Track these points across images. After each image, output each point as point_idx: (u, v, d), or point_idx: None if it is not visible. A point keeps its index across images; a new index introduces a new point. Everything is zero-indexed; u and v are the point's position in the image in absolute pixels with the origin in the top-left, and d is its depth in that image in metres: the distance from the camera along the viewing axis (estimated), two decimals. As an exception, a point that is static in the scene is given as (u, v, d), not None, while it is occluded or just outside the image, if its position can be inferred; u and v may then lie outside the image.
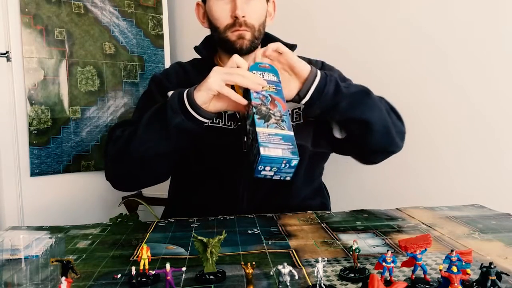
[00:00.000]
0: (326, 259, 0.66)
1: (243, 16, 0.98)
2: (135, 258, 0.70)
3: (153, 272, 0.60)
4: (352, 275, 0.59)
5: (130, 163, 0.94)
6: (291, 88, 0.89)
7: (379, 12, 1.53)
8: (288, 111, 0.84)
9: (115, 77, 1.76)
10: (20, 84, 1.53)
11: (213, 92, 0.83)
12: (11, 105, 1.52)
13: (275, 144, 0.73)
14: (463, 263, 0.53)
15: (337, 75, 0.94)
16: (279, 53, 0.89)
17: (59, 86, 1.62)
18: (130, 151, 0.90)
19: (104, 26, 1.72)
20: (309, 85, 0.89)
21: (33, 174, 1.57)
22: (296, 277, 0.54)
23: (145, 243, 0.76)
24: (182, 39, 2.05)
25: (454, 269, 0.52)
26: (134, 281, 0.59)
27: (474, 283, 0.53)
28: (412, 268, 0.58)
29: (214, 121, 1.00)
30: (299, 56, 1.14)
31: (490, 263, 0.52)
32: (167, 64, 1.91)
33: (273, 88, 0.84)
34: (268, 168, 0.73)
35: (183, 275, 0.62)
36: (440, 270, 0.53)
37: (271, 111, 0.79)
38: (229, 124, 1.00)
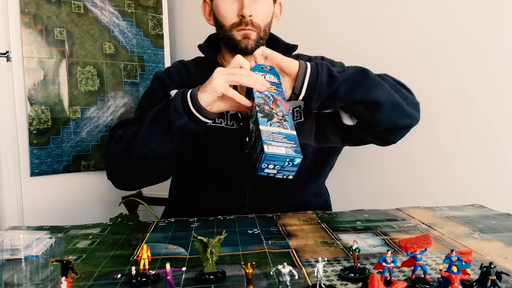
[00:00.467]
0: (326, 259, 0.66)
1: (250, 15, 0.98)
2: (135, 258, 0.70)
3: (153, 272, 0.60)
4: (352, 275, 0.59)
5: (132, 163, 0.93)
6: (285, 87, 0.89)
7: (381, 9, 1.53)
8: (290, 110, 0.84)
9: (115, 77, 1.76)
10: (20, 84, 1.53)
11: (218, 94, 0.83)
12: (11, 105, 1.52)
13: (279, 142, 0.73)
14: (463, 263, 0.53)
15: (328, 63, 0.92)
16: (265, 57, 0.89)
17: (59, 86, 1.62)
18: (132, 151, 0.90)
19: (104, 26, 1.72)
20: (301, 79, 0.88)
21: (33, 174, 1.57)
22: (296, 277, 0.54)
23: (145, 243, 0.76)
24: (182, 39, 2.05)
25: (454, 269, 0.52)
26: (134, 281, 0.58)
27: (474, 283, 0.53)
28: (412, 268, 0.58)
29: (216, 121, 1.00)
30: (300, 54, 1.14)
31: (490, 263, 0.52)
32: (167, 64, 1.91)
33: (275, 89, 0.85)
34: (271, 166, 0.73)
35: (183, 275, 0.62)
36: (440, 270, 0.53)
37: (273, 111, 0.80)
38: (231, 124, 1.00)
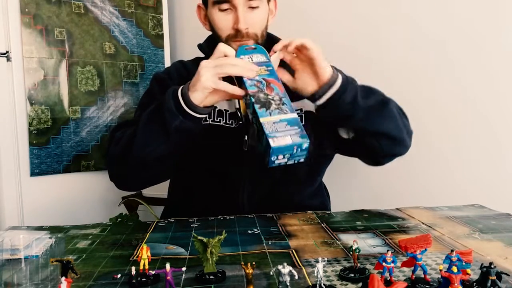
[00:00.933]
0: (326, 259, 0.66)
1: (246, 28, 0.97)
2: (135, 258, 0.70)
3: (153, 272, 0.60)
4: (352, 275, 0.59)
5: (131, 164, 0.93)
6: (307, 86, 0.87)
7: (381, 9, 1.53)
8: (285, 92, 0.81)
9: (115, 77, 1.76)
10: (20, 84, 1.53)
11: (208, 90, 0.82)
12: (11, 105, 1.52)
13: (282, 131, 0.72)
14: (463, 263, 0.53)
15: (358, 84, 0.90)
16: (298, 49, 0.86)
17: (59, 86, 1.62)
18: (132, 154, 0.90)
19: (104, 26, 1.72)
20: (326, 89, 0.86)
21: (33, 174, 1.57)
22: (296, 277, 0.54)
23: (145, 243, 0.76)
24: (182, 39, 2.05)
25: (454, 269, 0.52)
26: (134, 281, 0.58)
27: (474, 283, 0.53)
28: (412, 268, 0.58)
29: (215, 120, 1.00)
30: None
31: (490, 263, 0.52)
32: (167, 64, 1.91)
33: (265, 70, 0.82)
34: (281, 156, 0.72)
35: (183, 275, 0.62)
36: (440, 270, 0.53)
37: (269, 97, 0.77)
38: (230, 123, 1.00)
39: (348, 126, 0.94)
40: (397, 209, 0.98)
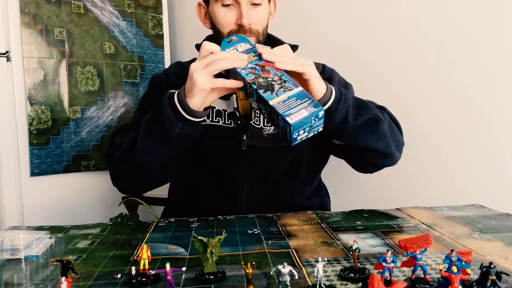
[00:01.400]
0: (326, 259, 0.66)
1: (249, 24, 0.97)
2: (135, 258, 0.70)
3: (153, 272, 0.60)
4: (352, 275, 0.59)
5: (134, 172, 0.94)
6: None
7: (381, 9, 1.53)
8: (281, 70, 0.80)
9: (115, 77, 1.76)
10: (20, 84, 1.53)
11: (207, 91, 0.81)
12: (11, 105, 1.52)
13: (295, 107, 0.72)
14: (463, 263, 0.53)
15: (351, 101, 0.89)
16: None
17: (59, 86, 1.62)
18: (134, 162, 0.90)
19: (104, 26, 1.72)
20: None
21: (33, 174, 1.57)
22: (296, 277, 0.54)
23: (145, 243, 0.76)
24: (182, 39, 2.05)
25: (454, 269, 0.52)
26: (134, 281, 0.58)
27: (474, 283, 0.53)
28: (412, 268, 0.58)
29: (214, 120, 1.00)
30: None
31: (490, 263, 0.52)
32: (167, 64, 1.91)
33: (254, 56, 0.82)
34: (301, 131, 0.72)
35: (183, 275, 0.62)
36: (440, 270, 0.53)
37: (269, 79, 0.77)
38: (229, 122, 1.00)
39: (338, 139, 0.95)
40: (397, 209, 0.98)
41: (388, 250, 0.57)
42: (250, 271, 0.54)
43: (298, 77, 0.82)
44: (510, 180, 1.34)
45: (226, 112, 1.00)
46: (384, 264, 0.56)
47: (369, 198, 1.52)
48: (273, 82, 0.76)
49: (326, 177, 1.21)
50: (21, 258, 0.66)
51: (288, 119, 0.70)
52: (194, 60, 1.13)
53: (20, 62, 1.53)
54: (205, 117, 0.88)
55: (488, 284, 0.52)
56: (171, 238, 0.80)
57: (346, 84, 1.10)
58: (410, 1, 1.48)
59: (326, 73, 1.09)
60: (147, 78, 1.83)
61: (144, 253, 0.60)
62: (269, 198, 1.03)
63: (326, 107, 0.84)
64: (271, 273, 0.61)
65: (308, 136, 0.75)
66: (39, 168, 1.58)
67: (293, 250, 0.72)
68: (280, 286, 0.53)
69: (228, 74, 0.82)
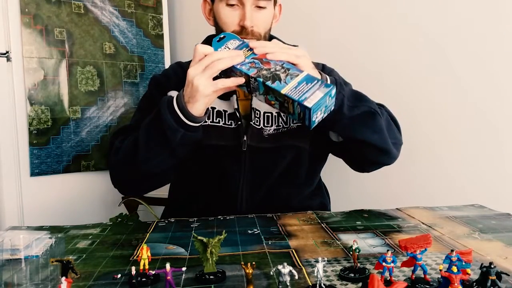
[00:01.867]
0: (326, 259, 0.66)
1: (251, 26, 0.96)
2: (135, 258, 0.70)
3: (153, 272, 0.60)
4: (352, 275, 0.59)
5: (135, 176, 0.94)
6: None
7: (381, 9, 1.53)
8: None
9: (115, 77, 1.76)
10: (20, 84, 1.53)
11: (209, 95, 0.81)
12: (11, 105, 1.52)
13: (308, 90, 0.73)
14: (463, 263, 0.53)
15: (347, 92, 0.89)
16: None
17: (59, 86, 1.62)
18: (135, 168, 0.90)
19: (104, 26, 1.72)
20: None
21: (33, 174, 1.57)
22: (296, 277, 0.54)
23: (145, 243, 0.76)
24: (182, 39, 2.05)
25: (454, 269, 0.52)
26: (134, 281, 0.58)
27: (474, 283, 0.53)
28: (412, 268, 0.58)
29: (214, 120, 1.00)
30: None
31: (490, 263, 0.52)
32: (167, 64, 1.91)
33: (247, 51, 0.82)
34: (319, 113, 0.73)
35: (183, 275, 0.62)
36: (440, 270, 0.53)
37: (272, 70, 0.77)
38: (229, 123, 1.00)
39: (334, 130, 0.95)
40: (397, 209, 0.98)
41: (388, 250, 0.57)
42: (250, 271, 0.54)
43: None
44: (510, 180, 1.34)
45: (227, 113, 1.00)
46: (384, 264, 0.56)
47: (369, 198, 1.51)
48: (278, 72, 0.76)
49: (326, 177, 1.21)
50: (21, 258, 0.66)
51: (305, 103, 0.71)
52: None
53: (20, 62, 1.53)
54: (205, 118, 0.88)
55: (488, 284, 0.52)
56: (171, 238, 0.80)
57: (345, 83, 1.10)
58: (410, 1, 1.48)
59: (326, 72, 1.09)
60: (147, 78, 1.83)
61: (144, 253, 0.60)
62: (269, 198, 1.03)
63: None
64: (271, 273, 0.61)
65: (323, 117, 0.76)
66: (39, 168, 1.58)
67: (293, 250, 0.72)
68: (280, 286, 0.53)
69: (224, 73, 0.81)
